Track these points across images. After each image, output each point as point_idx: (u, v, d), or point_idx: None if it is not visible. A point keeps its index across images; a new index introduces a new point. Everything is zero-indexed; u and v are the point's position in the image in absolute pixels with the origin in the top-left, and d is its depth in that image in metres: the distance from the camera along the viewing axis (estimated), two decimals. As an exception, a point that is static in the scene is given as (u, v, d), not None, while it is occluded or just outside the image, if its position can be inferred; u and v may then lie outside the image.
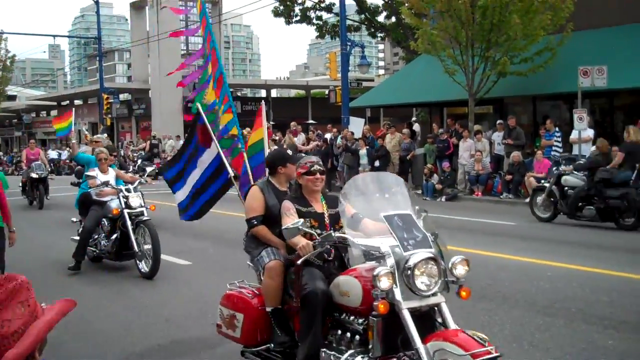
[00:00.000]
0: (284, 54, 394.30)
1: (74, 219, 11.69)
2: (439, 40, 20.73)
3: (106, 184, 10.46)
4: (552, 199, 14.95)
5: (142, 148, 34.28)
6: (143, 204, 10.44)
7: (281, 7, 35.62)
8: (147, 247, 9.93)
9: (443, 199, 19.94)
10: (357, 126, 25.66)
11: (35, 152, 20.82)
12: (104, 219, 10.52)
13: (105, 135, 39.54)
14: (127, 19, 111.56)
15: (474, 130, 20.90)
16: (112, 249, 10.36)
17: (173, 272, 10.14)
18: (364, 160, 21.50)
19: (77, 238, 10.82)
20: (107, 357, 6.40)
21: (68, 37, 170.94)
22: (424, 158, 22.27)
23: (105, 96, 44.73)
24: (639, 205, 13.36)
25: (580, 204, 14.18)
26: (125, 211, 10.18)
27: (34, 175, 19.51)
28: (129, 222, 10.08)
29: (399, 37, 34.62)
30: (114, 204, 10.36)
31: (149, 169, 15.38)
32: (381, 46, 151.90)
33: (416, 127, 24.96)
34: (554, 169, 15.86)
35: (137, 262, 10.03)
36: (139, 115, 51.66)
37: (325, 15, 37.31)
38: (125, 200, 10.29)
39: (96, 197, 10.62)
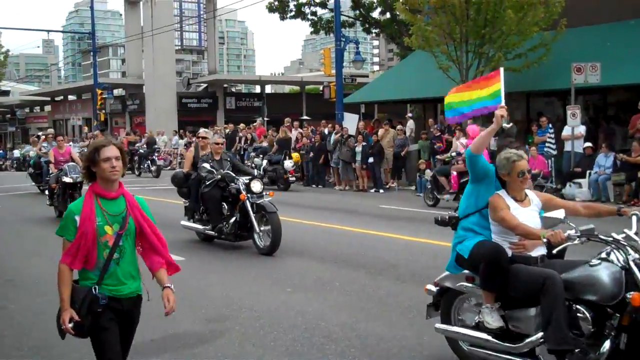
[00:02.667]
0: (278, 50, 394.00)
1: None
2: (433, 36, 20.75)
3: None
4: None
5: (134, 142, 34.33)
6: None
7: (276, 3, 35.64)
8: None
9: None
10: (351, 122, 25.68)
11: (66, 152, 16.65)
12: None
13: (98, 131, 39.71)
14: (121, 15, 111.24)
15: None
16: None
17: (167, 267, 10.14)
18: (359, 157, 21.51)
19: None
20: (72, 358, 6.39)
21: (62, 32, 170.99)
22: (418, 154, 22.30)
23: (99, 91, 44.67)
24: None
25: None
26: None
27: (67, 179, 15.18)
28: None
29: (394, 33, 34.65)
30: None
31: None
32: (376, 42, 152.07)
33: (410, 123, 24.95)
34: None
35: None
36: (132, 111, 51.54)
37: (319, 11, 37.37)
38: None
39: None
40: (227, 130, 29.84)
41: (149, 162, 30.67)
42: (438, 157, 19.73)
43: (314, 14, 36.78)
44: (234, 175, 11.53)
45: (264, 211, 11.05)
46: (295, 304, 7.82)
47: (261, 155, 24.23)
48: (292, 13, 36.15)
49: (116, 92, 53.95)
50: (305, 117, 38.56)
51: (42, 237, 13.29)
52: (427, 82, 24.16)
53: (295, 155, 23.89)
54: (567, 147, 18.78)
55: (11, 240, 13.18)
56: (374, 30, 38.97)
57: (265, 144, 26.01)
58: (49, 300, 8.38)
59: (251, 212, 11.04)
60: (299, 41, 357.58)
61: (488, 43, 19.96)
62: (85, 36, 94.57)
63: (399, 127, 23.36)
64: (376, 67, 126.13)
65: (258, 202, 11.12)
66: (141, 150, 32.00)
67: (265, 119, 38.68)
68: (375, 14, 38.22)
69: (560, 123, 19.93)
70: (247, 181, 11.29)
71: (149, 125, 45.21)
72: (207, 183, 11.61)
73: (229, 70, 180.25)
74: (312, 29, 37.66)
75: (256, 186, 11.27)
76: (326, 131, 24.22)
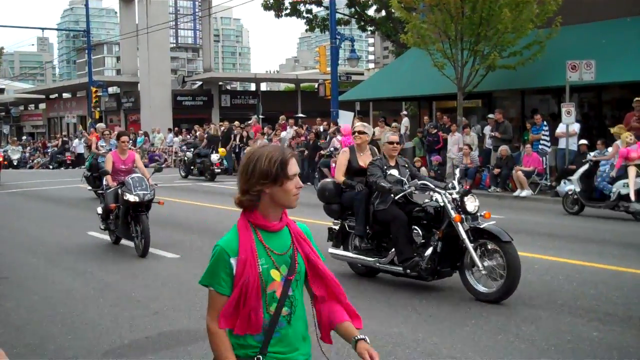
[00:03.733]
0: (273, 48, 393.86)
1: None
2: (429, 33, 20.76)
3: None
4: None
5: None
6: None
7: (271, 1, 35.58)
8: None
9: (432, 192, 19.98)
10: (346, 120, 25.68)
11: (129, 158, 11.89)
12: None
13: (93, 128, 39.71)
14: (116, 12, 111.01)
15: (462, 124, 20.97)
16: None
17: (162, 265, 10.15)
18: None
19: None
20: (95, 350, 6.41)
21: (57, 30, 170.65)
22: (413, 151, 22.33)
23: (94, 89, 44.58)
24: None
25: None
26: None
27: (131, 197, 10.82)
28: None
29: (389, 31, 34.67)
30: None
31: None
32: (371, 40, 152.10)
33: (405, 121, 24.98)
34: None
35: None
36: (127, 109, 51.48)
37: (315, 8, 37.36)
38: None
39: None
40: (222, 128, 29.84)
41: None
42: (321, 152, 21.99)
43: (309, 11, 36.78)
44: (433, 186, 8.31)
45: (489, 239, 7.82)
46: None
47: (192, 149, 26.94)
48: (288, 11, 36.13)
49: (111, 89, 53.85)
50: (300, 115, 38.55)
51: (37, 234, 13.28)
52: (422, 79, 24.19)
53: (221, 150, 26.61)
54: (562, 144, 18.82)
55: (6, 238, 13.15)
56: (369, 28, 38.96)
57: (261, 141, 26.12)
58: (44, 297, 8.40)
59: (468, 241, 7.77)
60: (294, 39, 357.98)
61: (483, 41, 19.98)
62: (80, 34, 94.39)
63: (394, 124, 23.38)
64: (371, 65, 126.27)
65: (480, 226, 7.88)
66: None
67: (261, 116, 38.65)
68: (371, 11, 38.25)
69: (555, 120, 19.97)
70: (458, 196, 8.07)
71: (144, 123, 45.19)
72: (384, 198, 8.44)
73: (224, 68, 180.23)
74: (308, 27, 37.65)
75: (471, 203, 8.04)
76: (321, 129, 24.22)
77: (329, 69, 29.09)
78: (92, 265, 10.30)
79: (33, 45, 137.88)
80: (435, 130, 21.41)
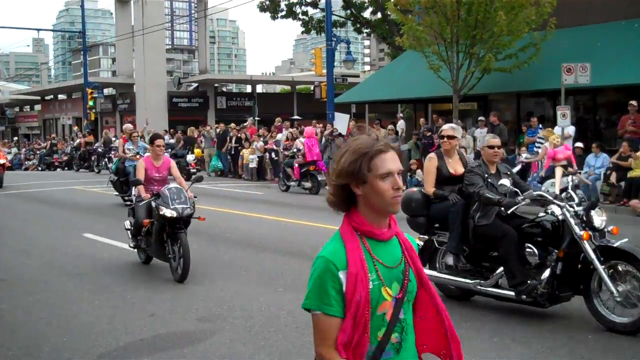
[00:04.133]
0: (269, 50, 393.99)
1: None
2: (424, 36, 20.77)
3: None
4: None
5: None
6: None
7: (267, 2, 35.63)
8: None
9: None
10: (342, 122, 25.70)
11: (164, 165, 10.37)
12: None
13: (88, 130, 39.80)
14: (112, 13, 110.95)
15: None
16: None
17: (157, 267, 10.13)
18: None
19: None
20: (91, 352, 6.40)
21: (52, 31, 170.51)
22: (409, 154, 22.35)
23: (90, 91, 44.54)
24: None
25: None
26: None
27: (168, 212, 9.25)
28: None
29: (385, 33, 34.70)
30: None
31: None
32: (367, 42, 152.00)
33: (401, 123, 24.99)
34: None
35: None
36: (123, 110, 51.40)
37: (311, 10, 37.37)
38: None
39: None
40: (218, 130, 29.86)
41: (107, 159, 32.52)
42: (286, 152, 23.49)
43: (305, 13, 36.80)
44: (551, 198, 7.28)
45: (620, 259, 6.75)
46: (286, 304, 7.83)
47: (169, 150, 27.27)
48: (284, 13, 36.16)
49: (106, 91, 53.74)
50: (296, 117, 38.56)
51: (32, 236, 13.26)
52: (418, 82, 24.20)
53: (197, 151, 28.79)
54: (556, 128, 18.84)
55: (1, 239, 13.12)
56: (365, 30, 39.00)
57: (260, 144, 26.18)
58: (39, 299, 8.39)
59: (597, 262, 6.66)
60: (290, 41, 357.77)
61: (479, 43, 20.01)
62: (76, 35, 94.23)
63: (389, 126, 23.40)
64: (367, 67, 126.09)
65: (613, 244, 6.77)
66: (99, 150, 33.65)
67: (256, 118, 38.65)
68: (367, 13, 38.28)
69: (550, 123, 20.00)
70: (582, 209, 7.02)
71: (139, 124, 45.09)
72: (486, 212, 7.42)
73: (220, 69, 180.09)
74: (304, 29, 37.66)
75: (598, 217, 6.93)
76: (317, 131, 24.22)
77: (324, 71, 29.15)
78: (88, 267, 10.28)
79: (28, 46, 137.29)
80: (430, 133, 21.43)
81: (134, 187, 10.78)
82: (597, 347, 6.24)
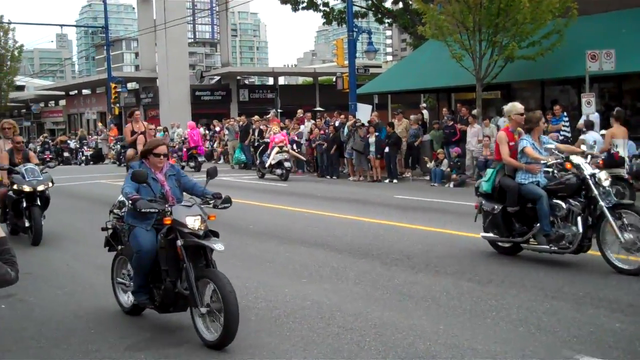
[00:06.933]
0: (291, 41, 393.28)
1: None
2: (447, 25, 20.67)
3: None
4: None
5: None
6: None
7: (287, -6, 35.58)
8: None
9: (451, 185, 19.92)
10: (364, 113, 25.63)
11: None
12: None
13: (113, 124, 40.17)
14: (134, 8, 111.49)
15: (480, 116, 20.86)
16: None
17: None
18: (372, 147, 21.49)
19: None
20: (118, 344, 6.45)
21: (75, 26, 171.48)
22: (431, 144, 22.27)
23: (113, 85, 44.86)
24: None
25: None
26: None
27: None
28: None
29: (406, 23, 34.52)
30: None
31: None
32: (388, 32, 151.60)
33: (424, 113, 24.91)
34: None
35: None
36: (147, 104, 51.73)
37: (332, 1, 37.26)
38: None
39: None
40: (240, 123, 29.93)
41: (80, 153, 38.93)
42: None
43: (326, 4, 36.70)
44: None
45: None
46: (311, 295, 7.85)
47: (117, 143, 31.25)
48: (304, 4, 36.08)
49: (130, 85, 54.08)
50: (318, 109, 38.56)
51: (60, 230, 13.38)
52: (440, 71, 24.09)
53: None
54: (582, 135, 18.64)
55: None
56: (386, 20, 38.83)
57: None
58: (67, 292, 8.48)
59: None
60: (311, 32, 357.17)
61: (502, 31, 19.87)
62: (99, 30, 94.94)
63: (412, 116, 23.32)
64: (389, 58, 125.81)
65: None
66: (71, 145, 38.98)
67: (279, 110, 38.69)
68: (388, 3, 38.08)
69: (574, 111, 19.82)
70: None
71: (163, 118, 45.36)
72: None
73: (242, 62, 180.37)
74: (325, 20, 37.57)
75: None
76: (337, 123, 24.12)
77: (346, 62, 29.06)
78: (89, 268, 10.27)
79: (52, 42, 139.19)
80: (452, 123, 21.32)
81: None
82: (624, 336, 6.19)
